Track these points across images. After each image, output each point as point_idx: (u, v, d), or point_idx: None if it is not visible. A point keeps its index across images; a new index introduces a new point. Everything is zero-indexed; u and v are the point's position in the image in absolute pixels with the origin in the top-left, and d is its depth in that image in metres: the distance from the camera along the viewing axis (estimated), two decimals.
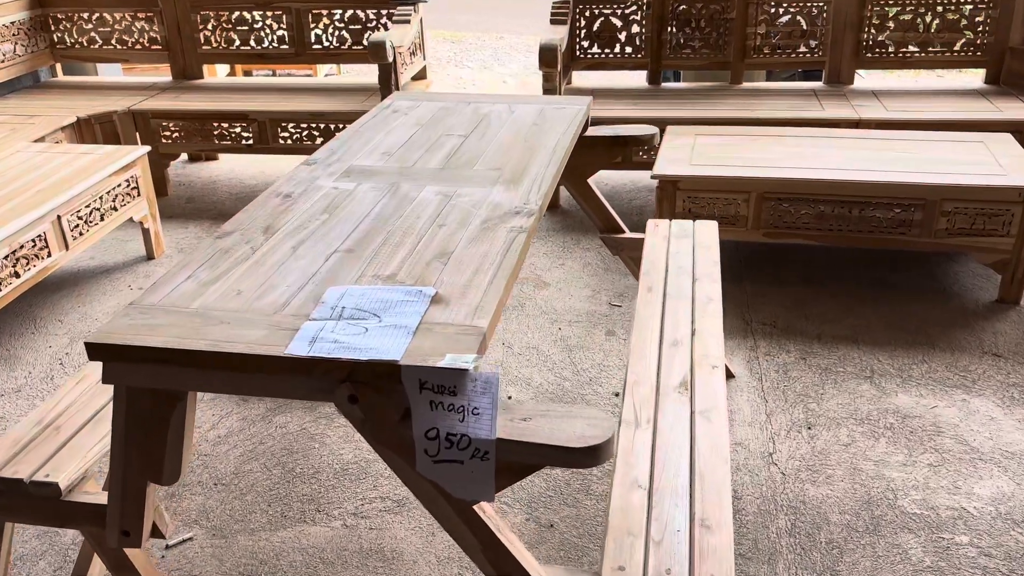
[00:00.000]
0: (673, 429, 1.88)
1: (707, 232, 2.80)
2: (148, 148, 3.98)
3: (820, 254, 3.92)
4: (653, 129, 2.80)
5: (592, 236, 4.18)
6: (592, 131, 2.82)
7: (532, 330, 3.41)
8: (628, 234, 2.96)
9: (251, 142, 4.61)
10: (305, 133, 4.55)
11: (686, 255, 2.67)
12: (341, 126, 4.51)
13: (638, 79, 4.90)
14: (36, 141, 4.18)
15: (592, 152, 2.80)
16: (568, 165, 2.82)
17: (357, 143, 2.40)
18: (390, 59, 4.32)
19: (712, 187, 3.47)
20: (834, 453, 2.67)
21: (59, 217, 3.43)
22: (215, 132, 4.60)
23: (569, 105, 2.71)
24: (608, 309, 3.55)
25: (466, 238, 1.80)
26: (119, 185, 3.79)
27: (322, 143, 4.55)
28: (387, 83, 4.40)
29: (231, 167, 5.28)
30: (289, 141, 4.58)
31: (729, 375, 3.06)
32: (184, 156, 5.40)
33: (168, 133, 4.66)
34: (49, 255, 3.38)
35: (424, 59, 4.96)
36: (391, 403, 1.41)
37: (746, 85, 4.69)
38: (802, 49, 4.58)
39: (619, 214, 4.44)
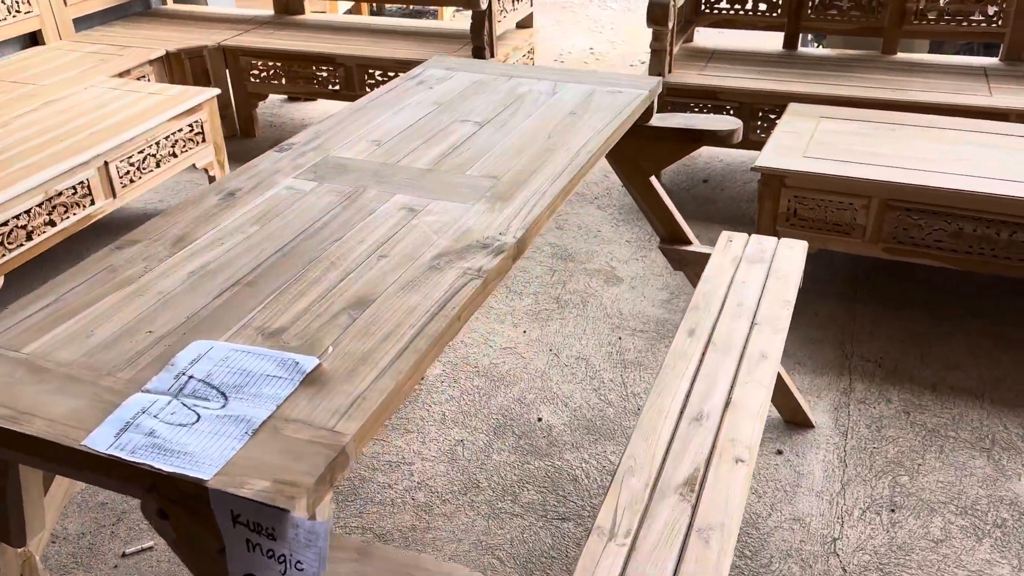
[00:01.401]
0: (656, 552, 1.43)
1: (791, 258, 2.26)
2: (215, 91, 3.75)
3: (954, 280, 3.24)
4: (735, 123, 2.26)
5: (693, 224, 3.64)
6: (659, 120, 2.31)
7: (588, 336, 2.98)
8: (695, 246, 2.45)
9: (337, 87, 4.31)
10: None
11: (754, 287, 2.15)
12: None
13: (772, 42, 4.24)
14: (120, 75, 4.04)
15: (656, 146, 2.30)
16: (626, 157, 2.33)
17: (353, 124, 2.02)
18: (484, 5, 3.88)
19: (826, 187, 2.88)
20: (919, 551, 2.13)
21: (106, 163, 3.25)
22: (302, 75, 4.33)
23: (627, 89, 2.21)
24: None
25: (402, 280, 1.40)
26: (180, 130, 3.58)
27: None
28: (479, 33, 3.97)
29: (326, 109, 5.02)
30: (375, 90, 4.24)
31: (806, 424, 2.53)
32: (284, 95, 5.18)
33: (256, 72, 4.43)
34: (92, 203, 3.21)
35: (532, 4, 4.48)
36: (209, 529, 1.04)
37: (901, 57, 3.95)
38: (977, 17, 3.78)
39: (709, 203, 3.87)
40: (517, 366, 2.85)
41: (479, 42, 3.99)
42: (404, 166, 1.81)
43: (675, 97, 3.74)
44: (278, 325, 1.30)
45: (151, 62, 4.26)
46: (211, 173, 3.86)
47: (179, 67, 4.40)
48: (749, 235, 2.39)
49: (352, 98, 4.30)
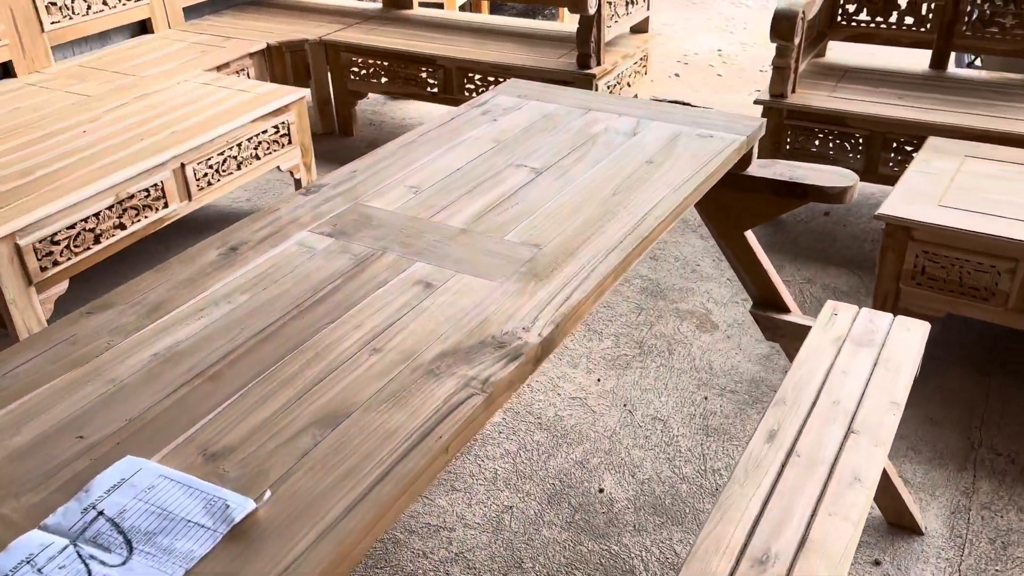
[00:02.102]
0: None
1: (907, 344, 1.89)
2: (304, 92, 3.60)
3: None
4: (848, 179, 1.90)
5: (807, 263, 3.26)
6: (759, 167, 1.97)
7: (669, 391, 2.66)
8: (792, 316, 2.10)
9: (435, 90, 4.10)
10: (491, 87, 3.96)
11: (856, 380, 1.80)
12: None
13: (917, 60, 3.75)
14: (218, 68, 3.95)
15: (753, 199, 1.97)
16: (717, 208, 2.01)
17: (396, 164, 1.78)
18: (592, 10, 3.57)
19: (963, 244, 2.46)
20: None
21: (183, 165, 3.14)
22: (401, 74, 4.15)
23: (720, 133, 1.88)
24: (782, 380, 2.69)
25: (390, 388, 1.15)
26: (265, 131, 3.45)
27: None
28: (585, 39, 3.67)
29: (429, 110, 4.83)
30: (474, 94, 4.01)
31: (913, 529, 2.15)
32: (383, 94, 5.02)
33: (356, 69, 4.27)
34: (166, 206, 3.12)
35: (648, 7, 4.14)
36: None
37: None
38: None
39: (829, 240, 3.44)
40: (585, 421, 2.57)
41: (584, 49, 3.69)
42: (437, 223, 1.56)
43: (797, 120, 3.34)
44: (224, 443, 1.07)
45: (251, 55, 4.16)
46: (296, 176, 3.72)
47: (280, 61, 4.29)
48: (859, 309, 2.02)
49: (451, 102, 4.08)
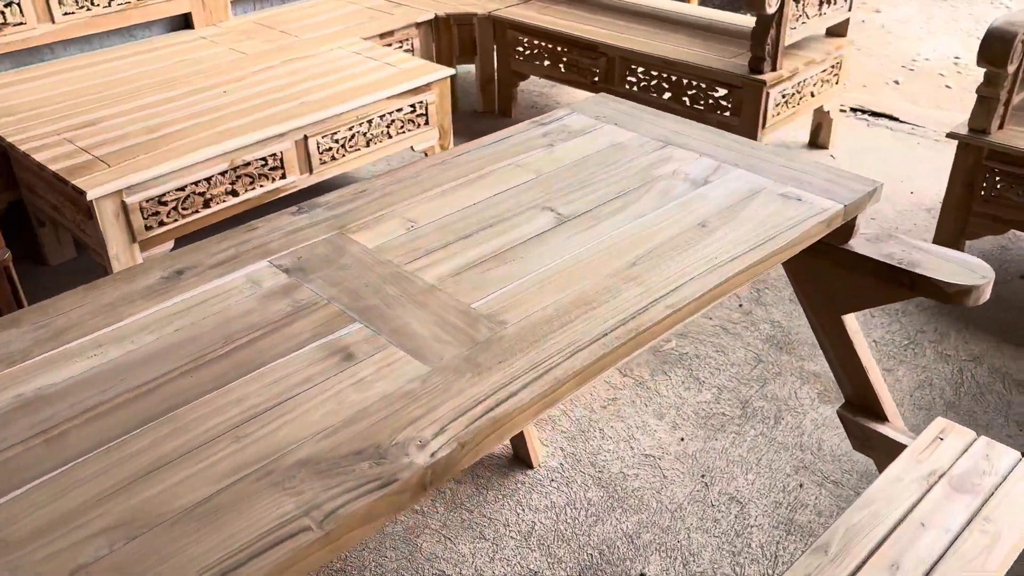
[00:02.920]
0: None
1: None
2: (449, 72, 3.43)
3: None
4: (980, 275, 1.46)
5: (979, 336, 2.73)
6: (864, 243, 1.57)
7: (759, 469, 2.29)
8: (888, 428, 1.68)
9: (596, 79, 3.80)
10: (653, 83, 3.62)
11: (936, 540, 1.39)
12: (693, 83, 3.49)
13: None
14: (381, 36, 3.88)
15: (852, 279, 1.57)
16: (810, 281, 1.63)
17: (411, 187, 1.56)
18: (771, 8, 3.14)
19: None
20: None
21: (306, 138, 3.08)
22: (564, 59, 3.89)
23: (813, 198, 1.50)
24: None
25: (215, 503, 0.95)
26: (400, 110, 3.33)
27: (668, 99, 3.59)
28: (760, 41, 3.24)
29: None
30: (635, 88, 3.69)
31: None
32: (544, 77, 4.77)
33: (521, 49, 4.06)
34: (283, 177, 3.07)
35: (850, 8, 3.61)
36: None
37: None
38: None
39: (1014, 313, 2.84)
40: (651, 486, 2.26)
41: (758, 51, 3.26)
42: (408, 273, 1.32)
43: (1000, 163, 2.77)
44: (16, 537, 0.91)
45: (418, 25, 4.05)
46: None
47: (447, 33, 4.15)
48: (976, 437, 1.58)
49: (612, 92, 3.77)
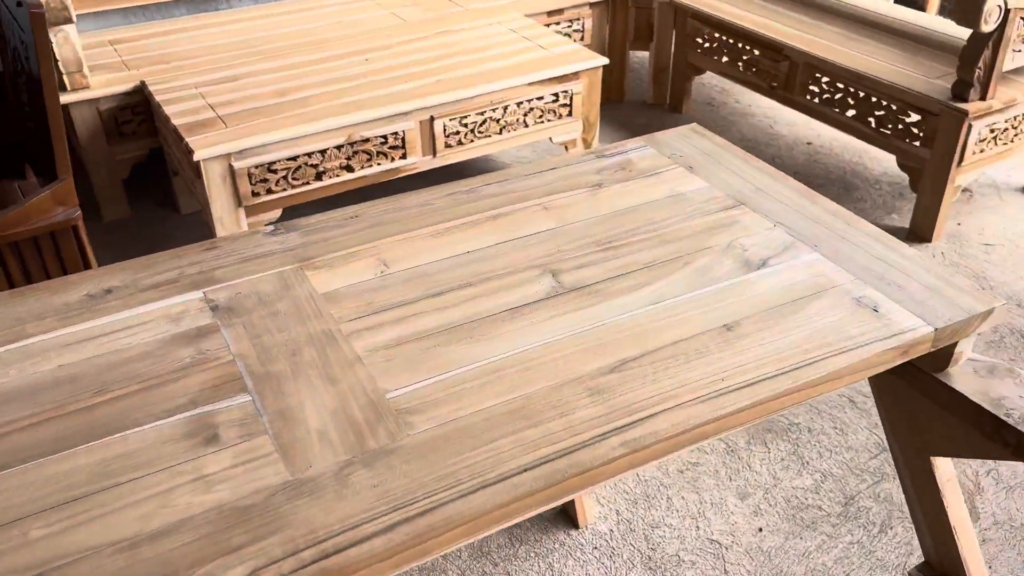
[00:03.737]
0: None
1: None
2: (601, 61, 3.15)
3: None
4: None
5: None
6: (966, 376, 1.18)
7: None
8: None
9: (775, 84, 3.38)
10: (838, 96, 3.15)
11: None
12: (883, 102, 2.99)
13: None
14: (549, 13, 3.65)
15: (944, 417, 1.19)
16: (898, 405, 1.25)
17: (402, 220, 1.33)
18: (988, 25, 2.62)
19: None
20: None
21: (432, 119, 2.92)
22: (743, 57, 3.48)
23: (898, 311, 1.12)
24: None
25: None
26: (540, 98, 3.09)
27: (852, 117, 3.12)
28: (971, 62, 2.72)
29: (778, 113, 4.06)
30: (816, 100, 3.23)
31: None
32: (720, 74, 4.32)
33: (700, 40, 3.69)
34: (404, 157, 2.94)
35: None
36: None
37: None
38: None
39: None
40: None
41: (966, 74, 2.73)
42: (337, 335, 1.10)
43: None
44: None
45: (592, 4, 3.77)
46: (571, 151, 3.32)
47: (622, 16, 3.84)
48: None
49: (789, 103, 3.34)
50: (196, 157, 2.58)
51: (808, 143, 3.67)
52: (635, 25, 3.87)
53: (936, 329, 1.11)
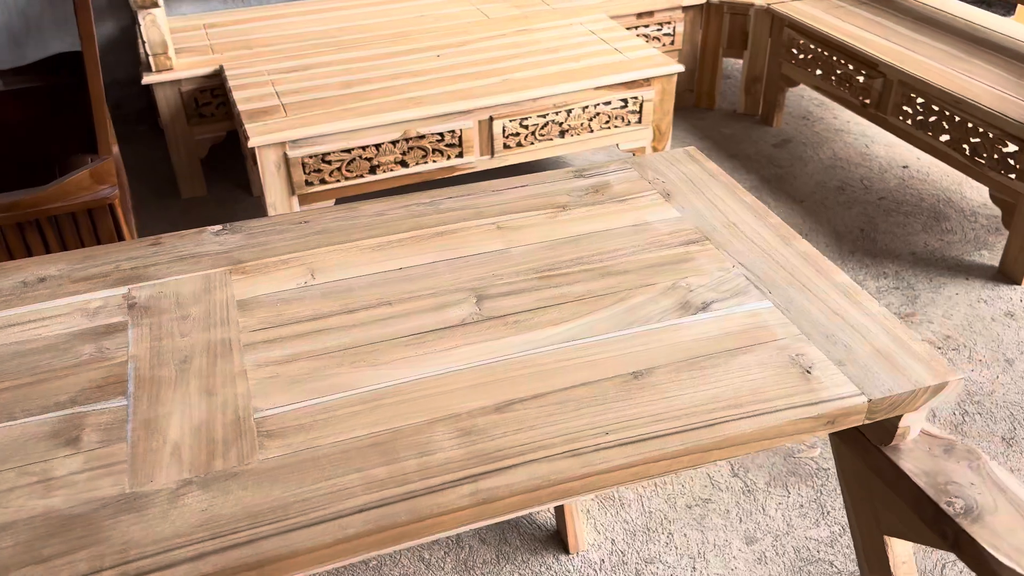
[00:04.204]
0: None
1: None
2: (675, 69, 3.03)
3: None
4: None
5: None
6: (915, 452, 1.05)
7: None
8: None
9: (867, 102, 3.17)
10: (932, 119, 2.93)
11: None
12: (979, 129, 2.76)
13: None
14: (638, 15, 3.56)
15: (891, 498, 1.06)
16: (855, 475, 1.14)
17: (337, 235, 1.30)
18: None
19: None
20: None
21: (491, 119, 2.89)
22: (836, 71, 3.29)
23: (834, 377, 1.01)
24: None
25: None
26: (608, 103, 3.01)
27: (946, 143, 2.89)
28: None
29: (874, 133, 3.81)
30: (909, 122, 3.01)
31: None
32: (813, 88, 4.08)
33: (795, 51, 3.51)
34: (460, 156, 2.92)
35: None
36: None
37: None
38: None
39: None
40: None
41: None
42: (235, 345, 1.08)
43: None
44: None
45: (685, 8, 3.64)
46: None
47: (716, 21, 3.69)
48: None
49: (881, 123, 3.13)
50: (251, 144, 2.64)
51: (904, 166, 3.42)
52: (729, 32, 3.70)
53: (871, 400, 0.98)
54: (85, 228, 2.18)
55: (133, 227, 2.26)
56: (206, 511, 0.87)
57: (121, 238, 2.24)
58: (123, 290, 1.19)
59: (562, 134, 3.01)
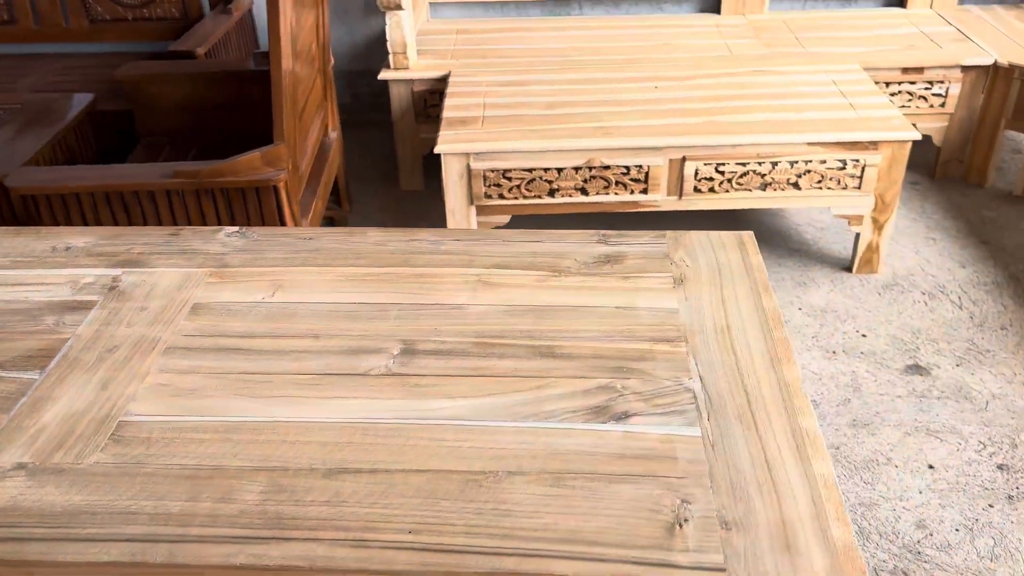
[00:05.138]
0: None
1: None
2: (911, 136, 2.68)
3: None
4: None
5: None
6: None
7: None
8: None
9: None
10: None
11: None
12: None
13: None
14: (905, 70, 3.20)
15: None
16: None
17: (320, 256, 1.31)
18: None
19: None
20: None
21: (684, 159, 2.76)
22: None
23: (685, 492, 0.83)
24: None
25: None
26: (823, 161, 2.75)
27: None
28: None
29: None
30: None
31: None
32: None
33: None
34: (644, 192, 2.82)
35: None
36: None
37: None
38: None
39: None
40: None
41: None
42: (150, 347, 1.12)
43: None
44: None
45: (964, 68, 3.21)
46: (855, 230, 2.89)
47: (1002, 87, 3.22)
48: None
49: None
50: (436, 150, 2.72)
51: None
52: (1017, 100, 3.19)
53: None
54: (252, 205, 2.37)
55: (296, 212, 2.42)
56: (12, 499, 0.91)
57: (283, 219, 2.41)
58: (117, 272, 1.27)
59: (764, 187, 2.78)
